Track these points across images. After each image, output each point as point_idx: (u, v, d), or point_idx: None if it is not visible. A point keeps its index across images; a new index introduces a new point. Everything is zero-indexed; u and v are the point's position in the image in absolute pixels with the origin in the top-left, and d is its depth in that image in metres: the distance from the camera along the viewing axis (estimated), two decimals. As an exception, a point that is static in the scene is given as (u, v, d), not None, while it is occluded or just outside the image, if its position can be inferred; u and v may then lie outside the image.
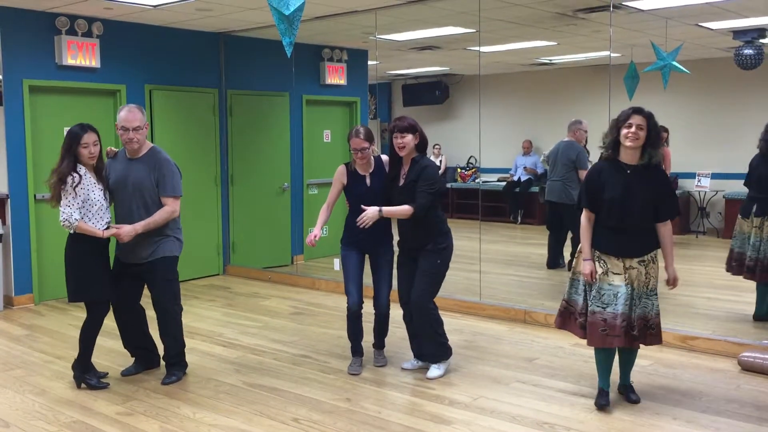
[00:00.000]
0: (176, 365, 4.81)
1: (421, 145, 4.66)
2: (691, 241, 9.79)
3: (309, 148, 9.23)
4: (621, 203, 3.99)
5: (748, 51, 8.19)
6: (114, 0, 6.53)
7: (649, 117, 3.99)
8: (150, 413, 4.22)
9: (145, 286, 4.78)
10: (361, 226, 4.55)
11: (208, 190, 8.36)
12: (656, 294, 4.13)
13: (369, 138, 4.71)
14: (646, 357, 5.06)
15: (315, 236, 4.70)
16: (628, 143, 3.97)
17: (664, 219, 4.07)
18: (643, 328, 4.09)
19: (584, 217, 4.17)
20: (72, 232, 4.46)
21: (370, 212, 4.52)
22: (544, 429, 3.93)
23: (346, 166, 4.85)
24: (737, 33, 8.18)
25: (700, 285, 7.24)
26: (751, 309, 5.98)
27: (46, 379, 4.85)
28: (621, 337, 4.00)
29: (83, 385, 4.63)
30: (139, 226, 4.53)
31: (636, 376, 4.57)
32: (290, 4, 3.96)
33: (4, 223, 6.88)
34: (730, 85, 10.06)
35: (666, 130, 9.01)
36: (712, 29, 8.01)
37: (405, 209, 4.54)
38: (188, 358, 5.00)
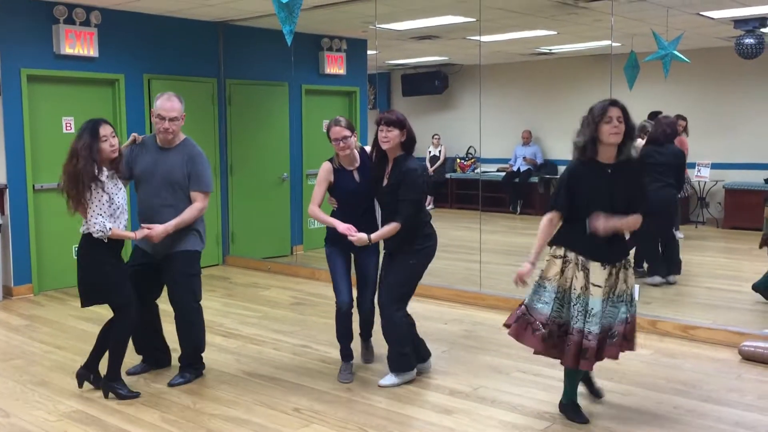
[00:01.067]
0: (189, 367, 4.60)
1: (408, 143, 4.36)
2: (691, 231, 9.79)
3: (308, 138, 9.20)
4: (604, 204, 3.66)
5: (748, 40, 8.16)
6: (112, -12, 6.49)
7: (624, 108, 3.67)
8: (150, 403, 4.22)
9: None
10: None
11: (208, 180, 8.33)
12: (630, 301, 3.80)
13: (350, 127, 4.47)
14: (647, 347, 5.06)
15: (348, 228, 4.36)
16: (612, 139, 3.62)
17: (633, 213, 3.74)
18: (603, 341, 3.72)
19: (548, 218, 3.80)
20: (106, 240, 4.16)
21: (358, 237, 4.29)
22: (545, 418, 3.93)
23: (331, 162, 4.58)
24: (738, 22, 8.15)
25: (701, 275, 7.25)
26: (752, 299, 5.97)
27: (46, 369, 4.84)
28: (592, 359, 3.71)
29: (111, 395, 4.30)
30: (171, 226, 4.33)
31: (636, 366, 4.58)
32: (289, -8, 3.93)
33: (2, 213, 6.86)
34: (731, 74, 10.04)
35: (684, 119, 8.91)
36: (713, 18, 7.98)
37: (392, 228, 4.27)
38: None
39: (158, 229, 4.31)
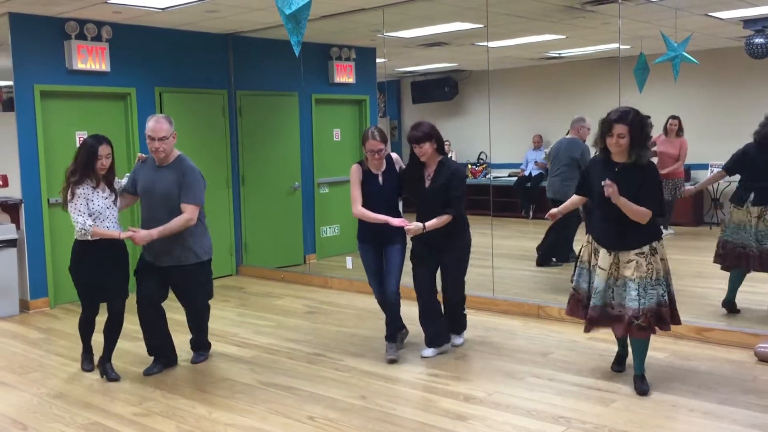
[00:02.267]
0: (202, 346, 5.21)
1: (440, 148, 4.86)
2: (704, 232, 9.72)
3: (319, 147, 9.24)
4: (608, 200, 4.10)
5: (758, 40, 8.12)
6: (122, 4, 6.56)
7: (631, 123, 4.06)
8: (166, 413, 4.25)
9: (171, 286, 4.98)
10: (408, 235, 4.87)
11: (220, 191, 8.38)
12: (662, 284, 4.18)
13: (384, 139, 4.89)
14: (662, 349, 5.03)
15: (402, 221, 4.85)
16: (613, 150, 4.16)
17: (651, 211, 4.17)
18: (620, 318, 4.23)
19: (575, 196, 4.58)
20: (90, 238, 4.59)
21: (414, 227, 4.75)
22: (560, 423, 3.92)
23: (360, 164, 5.01)
24: (747, 22, 8.12)
25: (715, 276, 7.17)
26: (767, 300, 5.93)
27: (63, 382, 4.89)
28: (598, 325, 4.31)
29: (104, 376, 4.84)
30: (155, 232, 4.65)
31: (651, 368, 4.55)
32: (293, 3, 3.96)
33: (18, 227, 6.93)
34: (741, 74, 9.98)
35: (677, 118, 8.99)
36: (722, 19, 7.94)
37: (446, 219, 4.76)
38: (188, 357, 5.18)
39: (142, 234, 4.67)
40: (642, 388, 4.27)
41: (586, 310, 4.32)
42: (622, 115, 4.07)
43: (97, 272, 4.72)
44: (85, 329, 4.99)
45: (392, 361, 4.96)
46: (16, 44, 6.82)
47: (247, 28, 8.16)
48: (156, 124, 4.71)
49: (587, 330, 4.38)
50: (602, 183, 4.07)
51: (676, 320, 4.33)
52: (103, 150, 4.62)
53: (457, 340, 5.31)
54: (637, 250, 4.13)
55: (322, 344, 5.60)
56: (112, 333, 4.87)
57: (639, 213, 4.09)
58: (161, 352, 5.02)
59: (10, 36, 6.79)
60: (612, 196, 4.05)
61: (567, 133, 7.87)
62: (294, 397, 4.46)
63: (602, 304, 4.23)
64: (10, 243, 6.80)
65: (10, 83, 6.90)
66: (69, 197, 4.62)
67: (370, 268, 5.10)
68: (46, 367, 5.25)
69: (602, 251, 4.22)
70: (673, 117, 9.24)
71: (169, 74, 7.91)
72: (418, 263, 5.01)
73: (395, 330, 5.11)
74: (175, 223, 4.68)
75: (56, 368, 5.21)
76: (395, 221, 4.80)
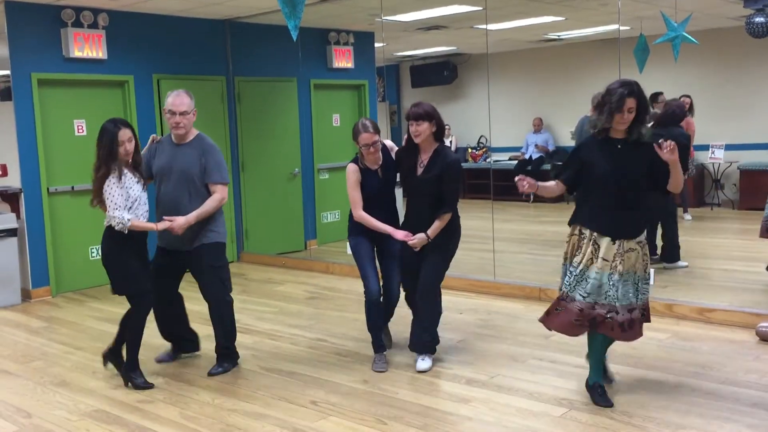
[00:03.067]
0: (226, 357, 4.75)
1: (438, 133, 4.50)
2: (706, 213, 9.73)
3: (318, 132, 9.22)
4: (615, 178, 3.79)
5: (759, 19, 8.05)
6: (118, -10, 6.52)
7: (639, 95, 3.77)
8: (169, 400, 4.26)
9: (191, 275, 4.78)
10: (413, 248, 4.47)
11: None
12: (648, 282, 3.92)
13: (376, 129, 4.54)
14: (664, 330, 5.04)
15: (406, 234, 4.46)
16: (620, 127, 3.81)
17: (666, 188, 3.85)
18: (629, 321, 3.83)
19: (553, 182, 4.01)
20: (126, 232, 4.32)
21: (419, 239, 4.41)
22: (563, 405, 3.93)
23: (355, 162, 4.65)
24: (748, 1, 8.04)
25: (717, 257, 7.20)
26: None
27: (65, 370, 4.89)
28: (587, 327, 3.84)
29: (130, 384, 4.47)
30: (192, 217, 4.46)
31: (653, 350, 4.56)
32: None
33: (18, 216, 6.93)
34: (742, 54, 9.94)
35: (689, 97, 8.82)
36: (722, -2, 7.90)
37: (446, 218, 4.43)
38: (204, 344, 5.02)
39: (180, 221, 4.44)
40: (608, 401, 3.91)
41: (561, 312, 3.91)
42: (630, 89, 3.77)
43: (138, 260, 4.45)
44: (139, 325, 4.47)
45: (381, 371, 4.57)
46: (12, 33, 6.79)
47: (244, 14, 8.11)
48: (177, 98, 4.53)
49: (576, 334, 3.96)
50: (659, 142, 3.67)
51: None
52: (124, 135, 4.30)
53: (419, 361, 4.57)
54: (638, 238, 3.84)
55: (323, 329, 5.60)
56: (140, 331, 4.50)
57: (682, 180, 3.85)
58: (176, 341, 4.94)
59: (6, 24, 6.75)
60: (672, 157, 3.68)
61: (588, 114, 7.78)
62: (297, 382, 4.47)
63: (593, 302, 3.80)
64: (11, 232, 6.80)
65: (7, 72, 6.87)
66: (103, 190, 4.30)
67: (367, 255, 4.66)
68: (48, 355, 5.26)
69: (605, 241, 3.79)
70: (685, 96, 8.98)
71: (166, 61, 7.88)
72: (402, 252, 4.68)
73: (381, 338, 4.73)
74: (210, 204, 4.51)
75: (59, 356, 5.22)
76: (398, 234, 4.46)
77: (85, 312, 6.47)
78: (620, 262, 3.78)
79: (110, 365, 4.66)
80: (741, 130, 10.11)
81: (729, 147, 9.76)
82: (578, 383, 4.20)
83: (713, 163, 10.00)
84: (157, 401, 4.25)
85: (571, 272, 3.88)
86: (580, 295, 3.82)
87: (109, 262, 4.45)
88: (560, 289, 3.95)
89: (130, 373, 4.47)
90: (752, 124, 10.12)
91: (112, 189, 4.28)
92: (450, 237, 4.55)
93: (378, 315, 4.68)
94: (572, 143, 7.99)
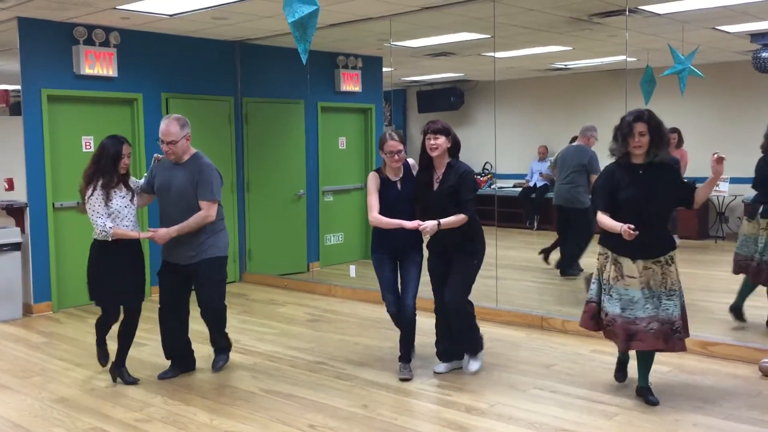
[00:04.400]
0: (222, 350, 5.15)
1: (454, 149, 4.75)
2: (710, 246, 9.70)
3: (324, 155, 9.25)
4: (640, 202, 4.09)
5: (766, 54, 8.11)
6: (131, 10, 6.58)
7: (649, 120, 4.09)
8: (167, 420, 4.23)
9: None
10: (423, 234, 4.66)
11: (225, 197, 8.31)
12: (677, 294, 4.15)
13: (402, 140, 4.77)
14: (666, 363, 5.00)
15: (417, 223, 4.58)
16: (635, 152, 4.13)
17: (693, 203, 4.16)
18: (669, 333, 4.11)
19: (601, 214, 4.23)
20: (110, 239, 4.60)
21: (429, 225, 4.54)
22: (563, 436, 3.90)
23: (377, 172, 4.86)
24: (755, 36, 8.11)
25: (720, 290, 7.15)
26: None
27: (64, 386, 4.87)
28: (644, 341, 4.09)
29: (119, 380, 4.84)
30: (174, 230, 4.72)
31: (655, 382, 4.52)
32: (296, 12, 3.96)
33: (23, 231, 6.94)
34: (748, 88, 9.96)
35: (676, 131, 8.92)
36: (729, 32, 7.94)
37: (461, 219, 4.59)
38: (203, 364, 5.10)
39: (161, 232, 4.74)
40: (652, 399, 4.26)
41: (600, 322, 4.29)
42: (638, 114, 4.11)
43: (116, 273, 4.70)
44: (102, 328, 4.96)
45: (405, 380, 4.79)
46: (24, 48, 6.85)
47: (254, 36, 8.18)
48: (165, 128, 4.75)
49: (626, 349, 4.31)
50: (714, 154, 3.99)
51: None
52: (126, 149, 4.67)
53: (469, 364, 4.94)
54: (654, 259, 4.11)
55: (324, 353, 5.58)
56: (128, 336, 4.84)
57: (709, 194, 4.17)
58: (178, 356, 5.04)
59: (19, 40, 6.81)
60: (720, 167, 4.02)
61: (571, 141, 7.85)
62: (295, 405, 4.45)
63: (646, 314, 4.10)
64: (15, 246, 6.81)
65: (18, 87, 6.92)
66: (87, 198, 4.62)
67: (385, 279, 4.84)
68: (48, 371, 5.25)
69: (627, 261, 4.13)
70: (672, 130, 9.11)
71: (176, 80, 7.93)
72: (431, 271, 4.86)
73: (410, 349, 4.92)
74: (193, 220, 4.72)
75: (58, 372, 5.20)
76: (409, 224, 4.59)
77: (85, 328, 6.44)
78: (646, 278, 4.08)
79: (105, 401, 4.61)
80: (746, 163, 10.05)
81: (734, 180, 9.74)
82: (579, 413, 4.18)
83: (717, 196, 9.99)
84: (155, 420, 4.22)
85: (601, 283, 4.27)
86: (612, 308, 4.15)
87: (89, 270, 4.75)
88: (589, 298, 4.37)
89: (119, 368, 4.86)
90: (757, 158, 10.12)
91: (95, 199, 4.58)
92: (473, 249, 4.72)
93: (402, 327, 4.85)
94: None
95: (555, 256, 8.08)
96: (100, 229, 4.58)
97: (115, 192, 4.65)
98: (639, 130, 4.07)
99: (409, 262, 4.83)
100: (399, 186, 4.80)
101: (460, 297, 4.73)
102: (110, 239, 4.60)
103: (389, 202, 4.76)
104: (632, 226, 4.07)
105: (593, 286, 4.37)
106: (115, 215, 4.64)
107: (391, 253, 4.84)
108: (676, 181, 4.17)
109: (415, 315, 4.83)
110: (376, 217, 4.75)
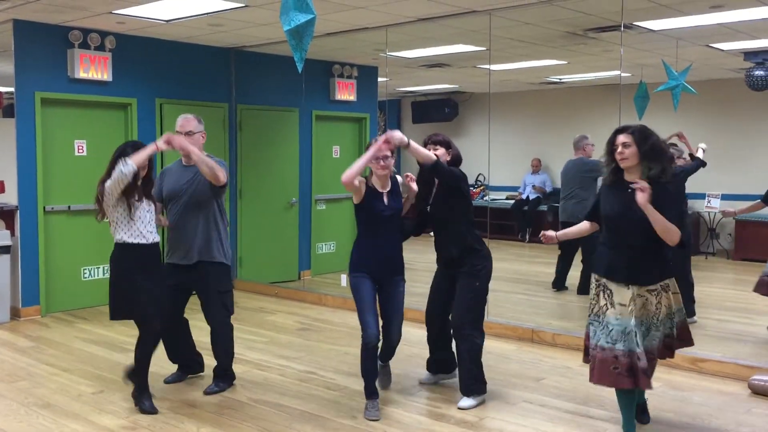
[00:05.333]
0: (223, 377, 4.88)
1: (454, 163, 4.61)
2: (701, 262, 9.73)
3: (318, 163, 9.24)
4: (618, 219, 3.79)
5: (759, 72, 8.17)
6: (127, 15, 6.57)
7: (634, 132, 3.77)
8: (154, 428, 4.20)
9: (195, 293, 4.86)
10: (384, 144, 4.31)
11: (217, 204, 8.37)
12: (672, 317, 3.85)
13: (391, 148, 4.41)
14: (656, 379, 4.97)
15: (385, 137, 4.30)
16: (621, 164, 3.80)
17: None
18: (653, 359, 3.81)
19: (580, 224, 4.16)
20: (132, 170, 4.18)
21: (399, 138, 4.27)
22: (552, 450, 3.88)
23: (366, 179, 4.48)
24: (748, 54, 8.17)
25: (710, 306, 7.18)
26: (762, 332, 5.92)
27: (51, 392, 4.83)
28: (630, 378, 3.69)
29: (137, 407, 4.45)
30: (194, 149, 4.54)
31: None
32: (293, 20, 3.96)
33: (12, 234, 6.90)
34: (741, 106, 10.04)
35: (675, 145, 8.86)
36: (722, 50, 8.00)
37: (430, 155, 4.35)
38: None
39: (179, 138, 4.53)
40: (644, 418, 4.18)
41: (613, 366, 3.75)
42: (623, 127, 3.86)
43: (148, 278, 4.35)
44: (146, 353, 4.44)
45: (374, 420, 4.31)
46: (19, 51, 6.83)
47: (250, 43, 8.18)
48: (183, 120, 4.74)
49: (620, 385, 3.77)
50: (630, 186, 3.66)
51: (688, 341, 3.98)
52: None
53: (462, 399, 4.56)
54: (649, 286, 3.76)
55: (313, 362, 5.55)
56: (148, 356, 4.47)
57: (667, 228, 3.65)
58: (183, 362, 5.02)
59: (14, 42, 6.79)
60: (641, 199, 3.60)
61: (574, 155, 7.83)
62: (284, 414, 4.42)
63: (636, 348, 3.68)
64: (4, 249, 6.76)
65: (11, 89, 6.90)
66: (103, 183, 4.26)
67: (365, 298, 4.36)
68: (34, 375, 5.20)
69: (614, 286, 3.77)
70: (673, 144, 9.17)
71: (170, 86, 7.92)
72: (433, 279, 4.75)
73: (375, 384, 4.45)
74: (211, 161, 4.58)
75: (45, 377, 5.15)
76: (375, 147, 4.28)
77: (73, 333, 6.40)
78: (636, 307, 3.71)
79: (90, 407, 4.53)
80: (738, 180, 10.16)
81: (725, 197, 9.80)
82: (568, 428, 4.16)
83: (709, 212, 10.04)
84: (141, 428, 4.19)
85: (591, 323, 3.85)
86: (606, 342, 3.75)
87: (116, 283, 4.37)
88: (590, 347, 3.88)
89: (139, 395, 4.46)
90: (749, 175, 10.18)
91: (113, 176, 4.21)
92: (474, 269, 4.51)
93: (373, 361, 4.41)
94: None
95: (570, 281, 7.92)
96: (120, 169, 4.15)
97: (138, 203, 4.34)
98: (621, 141, 3.77)
99: (393, 289, 4.46)
100: (386, 199, 4.42)
101: (463, 320, 4.51)
102: (132, 169, 4.17)
103: (375, 214, 4.40)
104: (551, 232, 4.08)
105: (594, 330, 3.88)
106: (138, 220, 4.32)
107: (371, 275, 4.41)
108: (657, 202, 3.65)
109: (398, 343, 4.59)
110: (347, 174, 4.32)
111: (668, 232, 3.66)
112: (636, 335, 3.68)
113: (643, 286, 3.75)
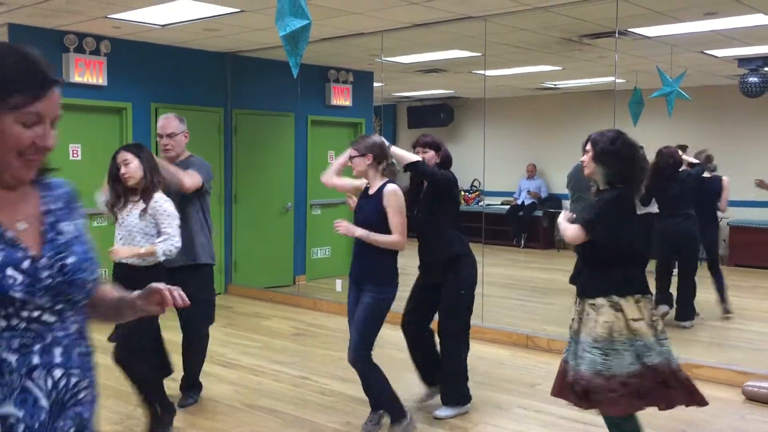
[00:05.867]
0: (193, 387, 4.76)
1: (444, 165, 4.53)
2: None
3: (313, 168, 9.23)
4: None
5: (753, 79, 8.20)
6: (122, 19, 6.57)
7: (593, 141, 3.47)
8: (147, 433, 4.18)
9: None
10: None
11: (212, 208, 8.30)
12: (585, 355, 3.41)
13: (365, 147, 4.09)
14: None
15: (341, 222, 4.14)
16: (585, 171, 3.54)
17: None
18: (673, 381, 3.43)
19: None
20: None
21: (349, 228, 4.09)
22: (546, 456, 3.88)
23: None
24: (742, 61, 8.20)
25: (704, 312, 7.19)
26: (756, 338, 5.93)
27: (43, 397, 4.80)
28: (649, 398, 3.40)
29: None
30: (135, 251, 3.96)
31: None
32: (288, 25, 3.96)
33: (6, 238, 6.86)
34: (735, 112, 10.07)
35: (685, 148, 8.71)
36: (717, 57, 8.03)
37: (410, 156, 4.34)
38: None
39: (121, 251, 3.99)
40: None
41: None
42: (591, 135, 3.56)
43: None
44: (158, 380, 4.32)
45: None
46: (13, 55, 6.81)
47: (245, 48, 8.19)
48: (164, 121, 4.65)
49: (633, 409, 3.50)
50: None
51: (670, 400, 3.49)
52: (120, 156, 3.98)
53: (439, 408, 4.48)
54: (590, 300, 3.36)
55: (308, 367, 5.54)
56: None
57: (568, 230, 3.41)
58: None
59: (9, 46, 6.77)
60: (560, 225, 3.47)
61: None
62: (278, 420, 4.41)
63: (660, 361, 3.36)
64: (-2, 254, 6.73)
65: (6, 93, 6.88)
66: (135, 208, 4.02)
67: (349, 309, 4.23)
68: (27, 381, 5.17)
69: (624, 300, 3.32)
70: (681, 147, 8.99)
71: (165, 90, 7.91)
72: (415, 283, 4.62)
73: (370, 397, 4.25)
74: (176, 169, 4.40)
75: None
76: (341, 160, 4.31)
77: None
78: (574, 321, 3.46)
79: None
80: (732, 186, 10.18)
81: (720, 202, 9.81)
82: (562, 435, 4.16)
83: (704, 218, 10.04)
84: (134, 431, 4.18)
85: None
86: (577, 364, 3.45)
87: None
88: None
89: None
90: (743, 182, 10.20)
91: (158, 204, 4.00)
92: (460, 283, 4.39)
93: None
94: (566, 191, 8.01)
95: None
96: (174, 246, 3.97)
97: (126, 208, 4.03)
98: (586, 149, 3.52)
99: (363, 297, 4.04)
100: (364, 202, 4.22)
101: (447, 330, 4.43)
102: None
103: (357, 214, 4.22)
104: None
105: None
106: (135, 232, 4.01)
107: (354, 282, 4.18)
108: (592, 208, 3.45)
109: (362, 366, 4.04)
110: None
111: (564, 231, 3.48)
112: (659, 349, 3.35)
113: (583, 297, 3.46)
